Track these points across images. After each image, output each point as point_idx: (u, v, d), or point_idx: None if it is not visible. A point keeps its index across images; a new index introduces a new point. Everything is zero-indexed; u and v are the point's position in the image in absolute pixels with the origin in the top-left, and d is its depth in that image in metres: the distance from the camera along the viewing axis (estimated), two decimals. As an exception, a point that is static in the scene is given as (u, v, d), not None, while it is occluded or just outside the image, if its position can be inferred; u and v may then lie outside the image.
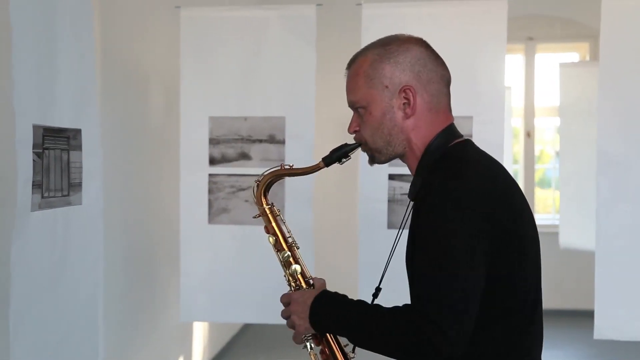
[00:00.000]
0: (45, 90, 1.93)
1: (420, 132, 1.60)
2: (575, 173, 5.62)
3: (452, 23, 3.30)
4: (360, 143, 1.66)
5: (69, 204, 2.06)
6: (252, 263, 3.42)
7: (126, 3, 3.51)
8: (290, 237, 1.82)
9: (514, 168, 6.76)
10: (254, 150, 3.44)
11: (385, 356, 1.51)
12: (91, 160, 2.17)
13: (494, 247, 1.47)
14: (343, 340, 1.66)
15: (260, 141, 3.44)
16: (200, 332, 4.82)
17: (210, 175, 3.47)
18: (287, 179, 2.80)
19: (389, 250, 1.75)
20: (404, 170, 1.68)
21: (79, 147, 2.11)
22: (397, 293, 1.63)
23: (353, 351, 1.70)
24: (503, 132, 3.32)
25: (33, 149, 1.84)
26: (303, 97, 3.42)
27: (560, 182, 5.98)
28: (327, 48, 4.13)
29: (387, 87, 1.59)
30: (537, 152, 7.21)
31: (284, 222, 1.84)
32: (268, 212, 1.82)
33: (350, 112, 1.67)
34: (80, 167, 2.12)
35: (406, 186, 3.20)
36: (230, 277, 3.48)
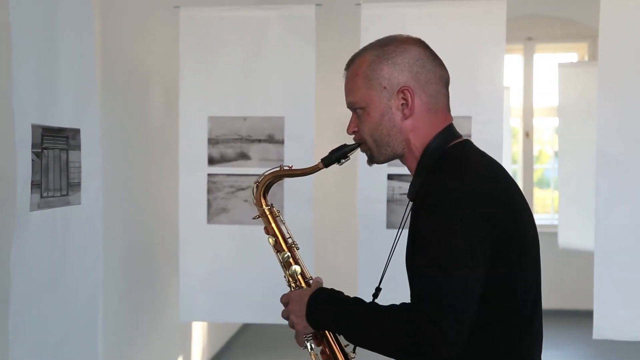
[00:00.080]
0: (44, 90, 1.93)
1: (419, 133, 1.60)
2: (574, 173, 5.62)
3: (451, 23, 3.30)
4: (359, 143, 1.67)
5: (68, 203, 2.06)
6: (251, 263, 3.42)
7: (126, 3, 3.51)
8: (290, 237, 1.82)
9: (513, 168, 6.77)
10: (253, 150, 3.44)
11: (384, 356, 1.51)
12: (90, 160, 2.17)
13: (494, 247, 1.47)
14: (344, 341, 1.67)
15: (260, 141, 3.44)
16: (199, 332, 4.82)
17: (209, 175, 3.47)
18: (286, 179, 2.80)
19: (388, 250, 1.75)
20: (403, 170, 1.68)
21: (78, 147, 2.11)
22: (397, 293, 1.63)
23: (354, 351, 1.70)
24: (502, 132, 3.32)
25: (32, 148, 1.84)
26: (302, 97, 3.42)
27: (559, 182, 5.98)
28: (326, 48, 4.14)
29: (385, 87, 1.59)
30: (535, 152, 7.21)
31: (284, 223, 1.84)
32: (267, 213, 1.82)
33: (350, 113, 1.68)
34: (80, 167, 2.12)
35: (405, 186, 3.20)
36: (230, 277, 3.48)
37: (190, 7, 3.51)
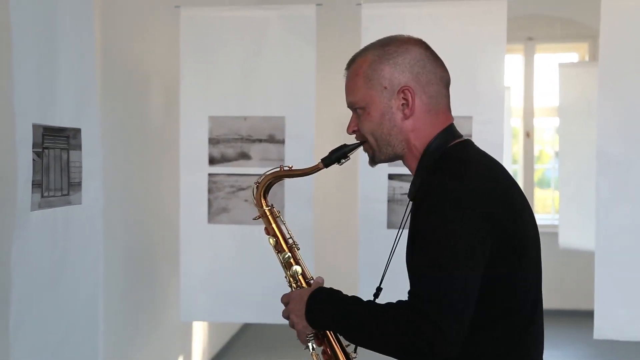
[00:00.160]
0: (45, 90, 1.93)
1: (419, 133, 1.60)
2: (574, 173, 5.62)
3: (451, 23, 3.30)
4: (359, 143, 1.67)
5: (68, 203, 2.06)
6: (252, 263, 3.42)
7: (126, 3, 3.51)
8: (290, 238, 1.82)
9: (514, 168, 6.77)
10: (254, 150, 3.45)
11: (384, 355, 1.51)
12: (91, 160, 2.17)
13: (494, 247, 1.47)
14: (345, 341, 1.67)
15: (260, 141, 3.44)
16: (200, 332, 4.82)
17: (210, 174, 3.47)
18: (287, 179, 2.80)
19: (389, 250, 1.75)
20: (404, 170, 1.68)
21: (78, 147, 2.12)
22: (397, 293, 1.62)
23: (355, 351, 1.70)
24: (503, 132, 3.32)
25: (33, 148, 1.84)
26: (303, 97, 3.42)
27: (559, 182, 5.98)
28: (327, 48, 4.14)
29: (386, 88, 1.59)
30: (536, 152, 7.21)
31: (284, 223, 1.84)
32: (268, 213, 1.82)
33: (350, 112, 1.68)
34: (80, 167, 2.12)
35: (406, 186, 3.20)
36: (230, 277, 3.48)
37: (190, 7, 3.51)
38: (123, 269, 3.51)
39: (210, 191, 3.47)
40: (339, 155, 1.70)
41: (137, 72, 3.69)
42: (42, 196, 1.90)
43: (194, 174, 3.47)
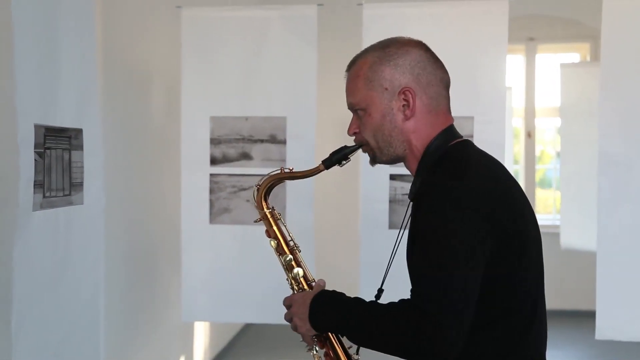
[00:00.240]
0: (46, 90, 1.94)
1: (420, 134, 1.61)
2: (576, 173, 5.62)
3: (453, 23, 3.30)
4: (360, 145, 1.67)
5: (70, 203, 2.06)
6: (253, 263, 3.42)
7: (127, 3, 3.52)
8: (291, 240, 1.83)
9: (515, 168, 6.76)
10: (255, 150, 3.45)
11: (386, 354, 1.51)
12: (92, 160, 2.17)
13: (494, 247, 1.47)
14: (347, 343, 1.67)
15: (262, 141, 3.44)
16: (201, 332, 4.83)
17: (211, 175, 3.47)
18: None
19: (390, 250, 1.75)
20: (405, 170, 1.69)
21: (80, 147, 2.12)
22: (399, 294, 1.63)
23: (357, 353, 1.70)
24: (504, 132, 3.32)
25: (35, 148, 1.84)
26: (304, 97, 3.42)
27: (561, 182, 5.98)
28: (328, 48, 4.14)
29: (386, 89, 1.59)
30: (537, 153, 7.21)
31: (285, 225, 1.84)
32: (269, 216, 1.83)
33: (351, 113, 1.68)
34: (82, 167, 2.12)
35: (407, 186, 3.20)
36: (232, 277, 3.48)
37: (192, 7, 3.51)
38: (124, 269, 3.51)
39: (211, 191, 3.47)
40: (339, 157, 1.71)
41: (138, 73, 3.69)
42: (44, 196, 1.90)
43: (195, 174, 3.48)
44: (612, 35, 3.10)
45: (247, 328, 5.84)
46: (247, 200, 3.41)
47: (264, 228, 1.85)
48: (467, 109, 3.20)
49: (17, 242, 1.80)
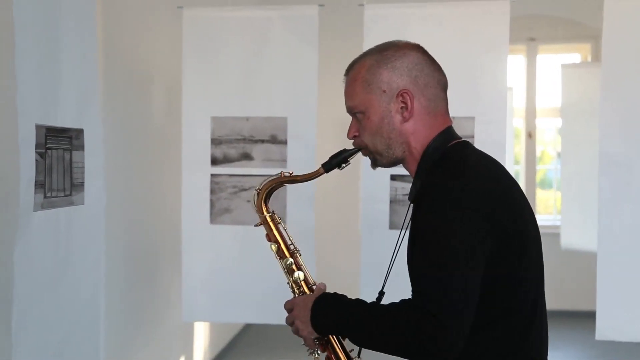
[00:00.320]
0: (48, 90, 1.94)
1: (418, 136, 1.62)
2: (576, 174, 5.62)
3: (454, 24, 3.30)
4: (359, 148, 1.68)
5: (71, 203, 2.06)
6: (253, 263, 3.42)
7: (128, 3, 3.52)
8: (292, 244, 1.83)
9: (515, 169, 6.76)
10: (256, 150, 3.45)
11: (388, 354, 1.52)
12: (93, 160, 2.18)
13: (494, 247, 1.48)
14: (349, 346, 1.67)
15: (262, 141, 3.44)
16: (201, 332, 4.83)
17: (212, 175, 3.47)
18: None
19: (390, 250, 1.75)
20: (406, 170, 1.69)
21: (81, 147, 2.12)
22: (399, 295, 1.63)
23: (359, 356, 1.71)
24: (505, 132, 3.32)
25: (36, 148, 1.84)
26: (305, 97, 3.42)
27: (561, 182, 5.98)
28: (329, 48, 4.14)
29: (384, 91, 1.60)
30: (538, 153, 7.21)
31: (285, 229, 1.85)
32: (269, 220, 1.84)
33: (350, 117, 1.69)
34: (83, 167, 2.12)
35: (408, 186, 3.19)
36: (232, 277, 3.48)
37: (193, 7, 3.51)
38: (125, 269, 3.52)
39: (212, 192, 3.47)
40: (339, 160, 1.72)
41: (139, 73, 3.69)
42: (45, 197, 1.90)
43: (196, 175, 3.48)
44: (613, 36, 3.10)
45: (247, 328, 5.85)
46: (248, 201, 3.41)
47: (264, 229, 1.86)
48: (468, 109, 3.20)
49: (17, 242, 1.81)
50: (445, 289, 1.43)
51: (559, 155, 6.75)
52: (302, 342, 1.68)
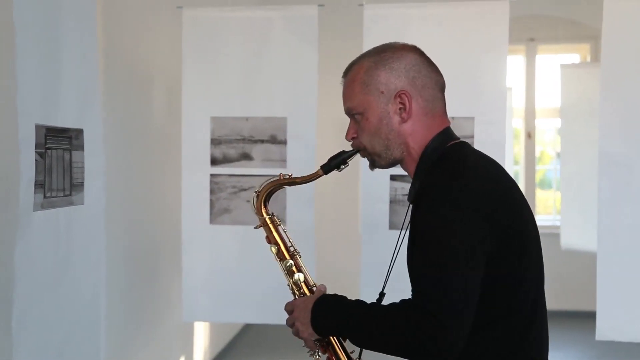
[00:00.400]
0: (48, 90, 1.94)
1: (417, 136, 1.62)
2: (576, 174, 5.62)
3: (453, 24, 3.30)
4: (357, 150, 1.69)
5: (71, 203, 2.06)
6: (253, 263, 3.42)
7: (128, 3, 3.52)
8: (292, 246, 1.83)
9: (515, 169, 6.76)
10: (256, 150, 3.45)
11: (389, 355, 1.52)
12: (93, 160, 2.18)
13: (494, 247, 1.48)
14: (350, 347, 1.67)
15: (262, 141, 3.44)
16: (201, 332, 4.83)
17: (212, 175, 3.47)
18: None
19: (390, 250, 1.76)
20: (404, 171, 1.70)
21: (81, 147, 2.12)
22: (400, 296, 1.63)
23: (359, 357, 1.71)
24: (505, 133, 3.32)
25: (36, 148, 1.84)
26: (305, 97, 3.42)
27: (561, 183, 5.98)
28: (329, 49, 4.14)
29: (382, 92, 1.61)
30: (537, 153, 7.21)
31: (285, 231, 1.85)
32: (269, 222, 1.84)
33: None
34: (83, 167, 2.12)
35: (408, 187, 3.19)
36: (232, 277, 3.48)
37: (193, 7, 3.52)
38: (125, 269, 3.52)
39: (212, 192, 3.47)
40: (337, 162, 1.73)
41: (139, 73, 3.69)
42: (45, 197, 1.90)
43: (195, 175, 3.48)
44: (613, 36, 3.10)
45: (248, 328, 5.85)
46: (248, 201, 3.41)
47: (264, 231, 1.86)
48: (467, 110, 3.20)
49: (18, 242, 1.81)
50: (445, 289, 1.43)
51: (558, 155, 6.75)
52: (303, 344, 1.68)
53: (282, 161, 3.39)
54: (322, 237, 3.93)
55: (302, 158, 3.36)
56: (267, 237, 1.85)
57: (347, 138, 1.70)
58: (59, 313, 2.02)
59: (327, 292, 1.69)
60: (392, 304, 1.52)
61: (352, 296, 1.63)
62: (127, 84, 3.52)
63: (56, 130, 1.97)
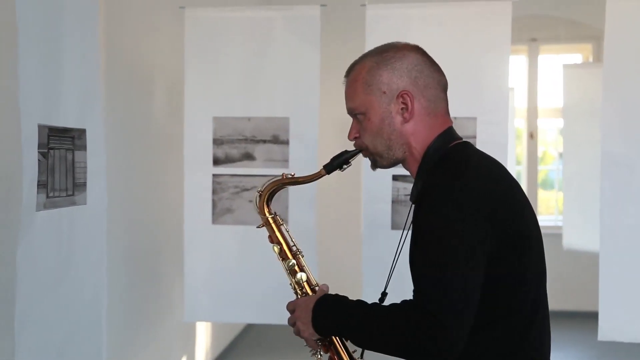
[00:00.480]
0: (50, 90, 1.94)
1: (419, 136, 1.62)
2: (578, 174, 5.62)
3: (456, 24, 3.30)
4: (360, 150, 1.69)
5: (73, 203, 2.07)
6: (255, 263, 3.42)
7: (130, 3, 3.52)
8: (294, 245, 1.83)
9: (517, 169, 6.76)
10: (258, 150, 3.45)
11: (389, 355, 1.52)
12: (95, 160, 2.18)
13: (494, 247, 1.48)
14: (352, 346, 1.67)
15: (264, 141, 3.44)
16: (203, 332, 4.83)
17: (214, 175, 3.47)
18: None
19: (392, 250, 1.76)
20: (407, 171, 1.70)
21: (83, 147, 2.12)
22: (402, 295, 1.63)
23: (361, 357, 1.71)
24: (507, 133, 3.31)
25: (38, 148, 1.85)
26: (307, 97, 3.42)
27: (563, 183, 5.98)
28: (331, 49, 4.14)
29: (384, 92, 1.61)
30: (540, 154, 7.20)
31: (288, 230, 1.85)
32: (271, 221, 1.84)
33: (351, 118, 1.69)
34: (85, 167, 2.13)
35: (410, 187, 3.19)
36: (234, 277, 3.48)
37: (195, 7, 3.52)
38: (127, 269, 3.52)
39: (214, 192, 3.47)
40: (340, 161, 1.73)
41: (141, 73, 3.69)
42: (47, 196, 1.91)
43: (197, 175, 3.48)
44: (615, 36, 3.10)
45: (249, 328, 5.85)
46: (250, 201, 3.41)
47: (266, 231, 1.86)
48: (469, 110, 3.20)
49: (20, 242, 1.81)
50: (445, 289, 1.43)
51: (560, 155, 6.75)
52: (305, 344, 1.68)
53: (284, 161, 3.39)
54: (324, 237, 3.93)
55: (304, 158, 3.36)
56: (269, 237, 1.85)
57: (349, 138, 1.70)
58: (60, 313, 2.03)
59: (330, 292, 1.69)
60: (393, 305, 1.52)
61: (354, 296, 1.63)
62: (129, 83, 3.52)
63: (59, 130, 1.97)
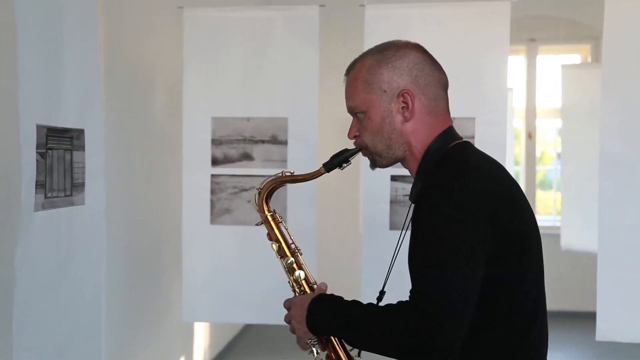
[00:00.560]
0: (49, 90, 1.94)
1: (419, 136, 1.62)
2: (577, 174, 5.62)
3: (455, 24, 3.30)
4: (360, 148, 1.69)
5: (72, 204, 2.06)
6: (253, 263, 3.42)
7: (130, 4, 3.52)
8: (293, 243, 1.83)
9: (515, 169, 6.76)
10: (257, 150, 3.45)
11: (385, 356, 1.51)
12: (94, 161, 2.18)
13: (494, 247, 1.48)
14: (349, 346, 1.67)
15: (263, 142, 3.44)
16: (201, 332, 4.83)
17: (212, 175, 3.47)
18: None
19: (391, 250, 1.75)
20: (407, 171, 1.69)
21: (82, 147, 2.12)
22: (400, 296, 1.63)
23: (359, 355, 1.71)
24: (506, 133, 3.32)
25: (37, 149, 1.84)
26: (306, 97, 3.42)
27: (562, 183, 5.98)
28: (330, 49, 4.14)
29: (385, 91, 1.60)
30: (538, 154, 7.20)
31: (287, 228, 1.85)
32: (270, 219, 1.84)
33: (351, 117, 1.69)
34: (83, 167, 2.12)
35: (408, 187, 3.20)
36: (232, 278, 3.48)
37: (194, 7, 3.51)
38: (125, 270, 3.52)
39: (212, 192, 3.47)
40: (340, 160, 1.72)
41: (140, 73, 3.69)
42: (46, 197, 1.90)
43: (196, 175, 3.48)
44: (614, 37, 3.10)
45: (248, 328, 5.85)
46: (248, 201, 3.41)
47: (265, 229, 1.86)
48: (468, 110, 3.20)
49: (18, 242, 1.81)
50: (444, 289, 1.43)
51: (559, 156, 6.75)
52: (296, 341, 1.68)
53: (283, 161, 3.39)
54: (323, 236, 3.92)
55: (303, 158, 3.36)
56: (268, 235, 1.85)
57: (349, 136, 1.69)
58: (59, 313, 2.02)
59: (328, 291, 1.69)
60: (389, 305, 1.51)
61: (352, 296, 1.63)
62: (128, 84, 3.52)
63: (57, 130, 1.97)
